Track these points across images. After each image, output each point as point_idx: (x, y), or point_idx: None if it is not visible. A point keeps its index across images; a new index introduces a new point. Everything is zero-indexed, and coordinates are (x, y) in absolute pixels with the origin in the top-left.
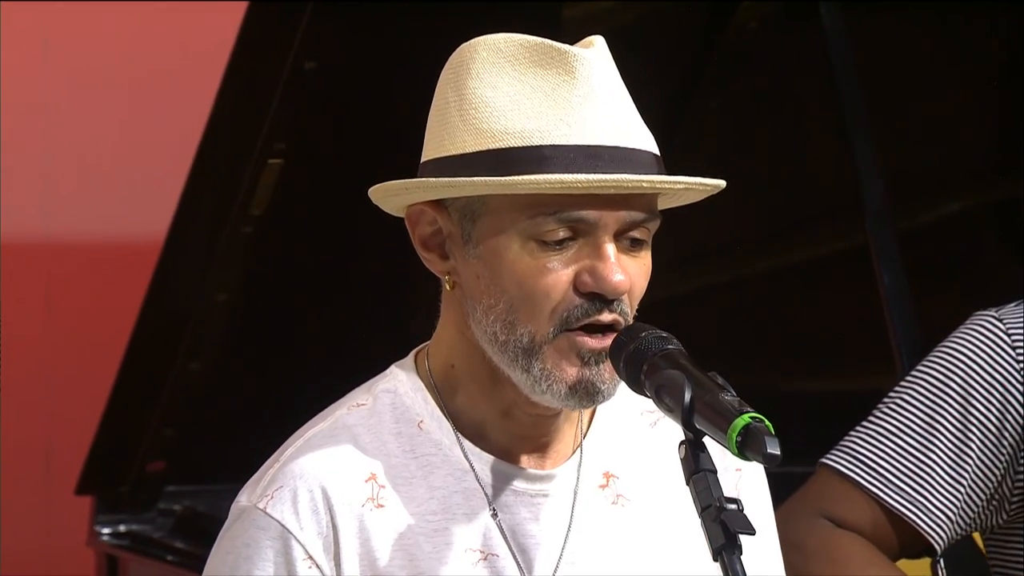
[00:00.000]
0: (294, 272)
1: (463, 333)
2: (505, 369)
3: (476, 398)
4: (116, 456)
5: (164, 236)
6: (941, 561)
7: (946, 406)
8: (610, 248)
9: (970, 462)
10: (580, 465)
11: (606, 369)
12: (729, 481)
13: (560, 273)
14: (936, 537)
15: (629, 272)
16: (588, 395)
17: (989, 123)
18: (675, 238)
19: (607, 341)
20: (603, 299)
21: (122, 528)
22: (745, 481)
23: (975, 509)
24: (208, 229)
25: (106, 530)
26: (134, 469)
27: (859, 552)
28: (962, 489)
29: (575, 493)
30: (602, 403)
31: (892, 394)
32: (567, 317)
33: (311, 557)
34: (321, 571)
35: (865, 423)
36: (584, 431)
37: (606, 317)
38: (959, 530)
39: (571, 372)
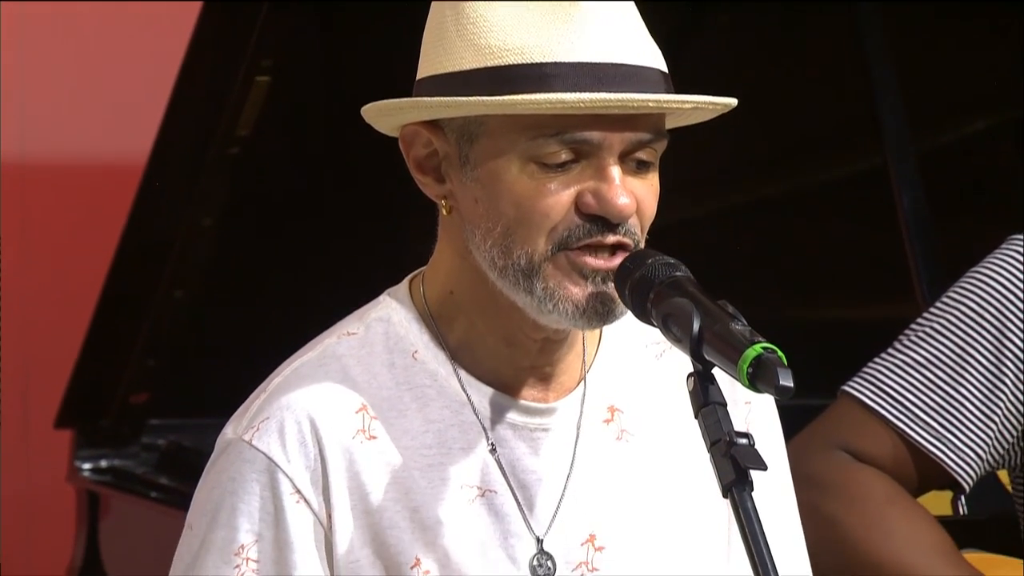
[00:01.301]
0: (282, 195)
1: (464, 258)
2: (509, 294)
3: (477, 326)
4: (97, 388)
5: (146, 157)
6: (962, 497)
7: (980, 337)
8: (615, 170)
9: (1004, 397)
10: (584, 398)
11: (614, 288)
12: (738, 415)
13: (561, 194)
14: (963, 475)
15: (636, 194)
16: (599, 314)
17: (1012, 39)
18: (682, 159)
19: (613, 262)
20: (607, 222)
21: (103, 464)
22: (755, 415)
23: (1005, 446)
24: (192, 150)
25: (87, 466)
26: (116, 402)
27: (879, 488)
28: (994, 426)
29: (578, 428)
30: (614, 322)
31: (921, 321)
32: (567, 237)
33: (299, 491)
34: (309, 506)
35: (891, 352)
36: (589, 363)
37: (610, 239)
38: (987, 468)
39: (576, 291)
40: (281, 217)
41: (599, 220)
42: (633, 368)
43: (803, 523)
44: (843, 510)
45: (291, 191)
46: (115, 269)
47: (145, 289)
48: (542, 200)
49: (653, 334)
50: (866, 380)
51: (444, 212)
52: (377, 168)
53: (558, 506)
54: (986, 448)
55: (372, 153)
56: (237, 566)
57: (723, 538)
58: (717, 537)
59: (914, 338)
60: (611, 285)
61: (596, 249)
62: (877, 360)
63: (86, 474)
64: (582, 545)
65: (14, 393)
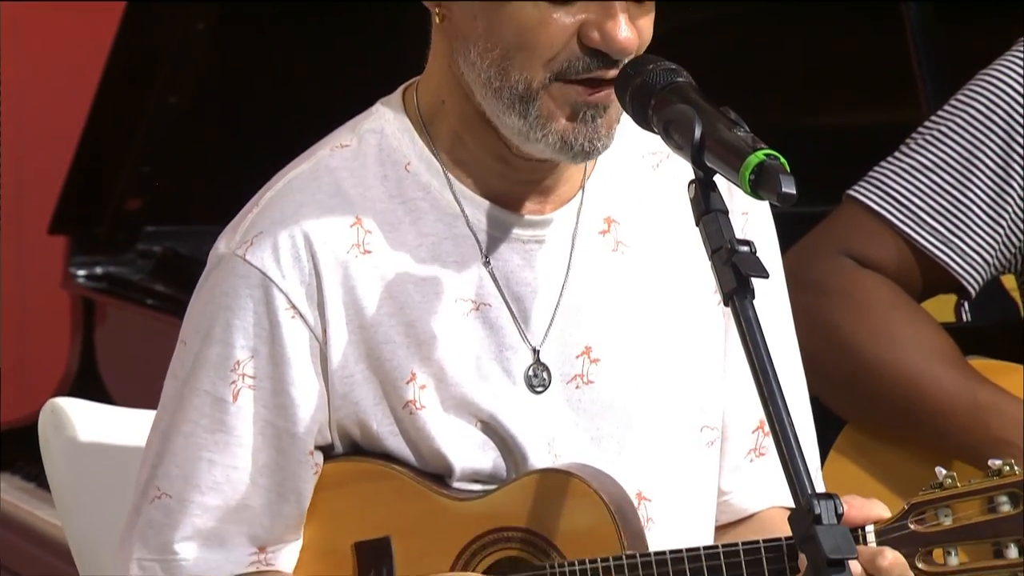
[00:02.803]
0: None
1: (451, 70)
2: (496, 115)
3: (467, 141)
4: (91, 194)
5: None
6: (965, 304)
7: (987, 139)
8: (620, 5)
9: (1011, 200)
10: (580, 209)
11: (603, 125)
12: (735, 225)
13: (565, 26)
14: (969, 280)
15: (638, 28)
16: (584, 151)
17: None
18: None
19: (608, 98)
20: (607, 57)
21: (98, 270)
22: (752, 224)
23: (1011, 250)
24: None
25: (81, 272)
26: (111, 208)
27: (884, 294)
28: (1001, 230)
29: (573, 239)
30: (597, 157)
31: (929, 125)
32: (566, 68)
33: (294, 306)
34: (304, 321)
35: (897, 156)
36: (587, 173)
37: (610, 73)
38: (993, 272)
39: (566, 124)
40: (277, 20)
41: (600, 55)
42: (630, 179)
43: (804, 329)
44: (846, 315)
45: None
46: (108, 74)
47: (139, 94)
48: (545, 30)
49: (650, 143)
50: (872, 184)
51: (436, 20)
52: None
53: (553, 318)
54: (992, 252)
55: None
56: (233, 382)
57: (719, 350)
58: (713, 349)
59: (921, 142)
60: (601, 123)
61: (593, 83)
62: (883, 164)
63: (81, 281)
64: (577, 357)
65: (9, 198)
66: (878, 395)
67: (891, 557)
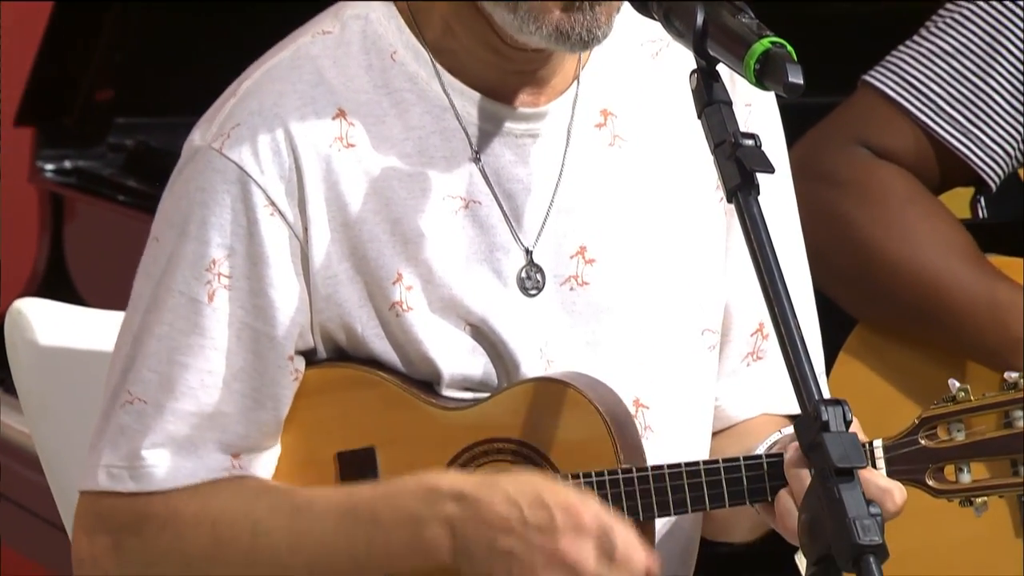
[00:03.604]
0: None
1: None
2: (488, 7)
3: (457, 31)
4: (59, 83)
5: None
6: (982, 199)
7: (1011, 24)
8: None
9: None
10: (576, 101)
11: (602, 12)
12: (739, 117)
13: None
14: (989, 173)
15: None
16: (582, 40)
17: None
18: None
19: None
20: None
21: (68, 164)
22: (757, 117)
23: None
24: None
25: (50, 166)
26: (80, 98)
27: (899, 186)
28: (1022, 120)
29: (568, 133)
30: (597, 45)
31: (950, 7)
32: None
33: (273, 203)
34: (284, 218)
35: (916, 40)
36: (582, 62)
37: None
38: (1014, 165)
39: (556, 16)
40: None
41: None
42: (628, 68)
43: (815, 223)
44: (859, 208)
45: None
46: None
47: None
48: None
49: (649, 30)
50: (888, 70)
51: None
52: None
53: (546, 216)
54: (1014, 144)
55: None
56: (208, 282)
57: (720, 249)
58: (714, 249)
59: (941, 25)
60: (599, 9)
61: None
62: (900, 49)
63: (49, 175)
64: (572, 258)
65: None
66: (891, 292)
67: (899, 499)
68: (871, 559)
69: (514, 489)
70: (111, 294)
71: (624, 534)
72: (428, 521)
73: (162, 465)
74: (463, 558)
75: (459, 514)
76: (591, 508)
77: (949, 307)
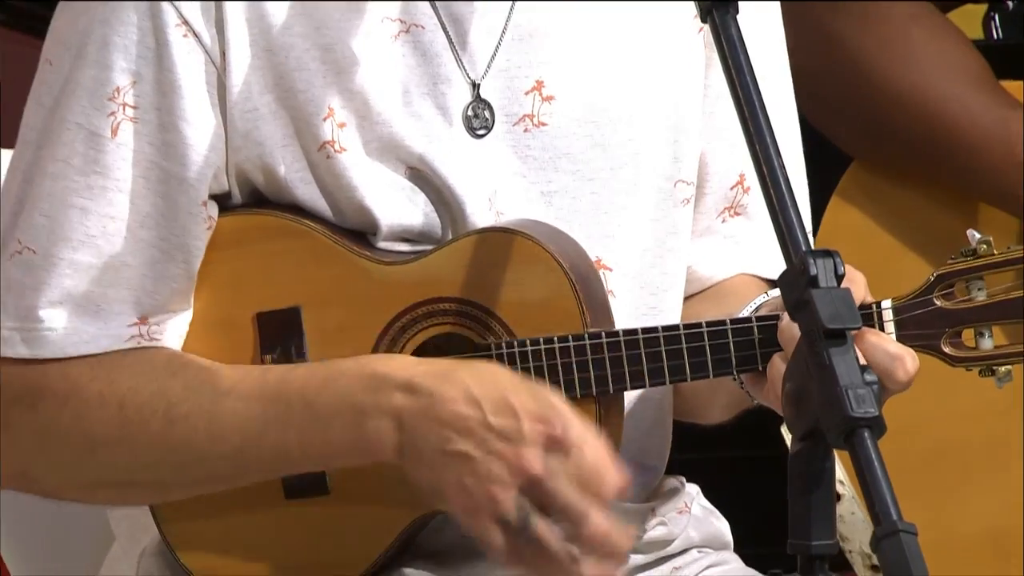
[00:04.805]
0: None
1: None
2: None
3: None
4: None
5: None
6: (996, 17)
7: None
8: None
9: None
10: None
11: None
12: None
13: None
14: None
15: None
16: None
17: None
18: None
19: None
20: None
21: None
22: None
23: None
24: None
25: None
26: None
27: (903, 2)
28: None
29: None
30: None
31: None
32: None
33: (186, 22)
34: (199, 40)
35: None
36: None
37: None
38: None
39: None
40: None
41: None
42: None
43: (806, 45)
44: (857, 27)
45: None
46: None
47: None
48: None
49: None
50: None
51: None
52: None
53: (498, 45)
54: None
55: None
56: (112, 113)
57: (698, 88)
58: (692, 88)
59: None
60: None
61: None
62: None
63: None
64: (527, 94)
65: None
66: (892, 124)
67: (911, 367)
68: (865, 434)
69: (477, 387)
70: None
71: (596, 451)
72: (371, 412)
73: (59, 327)
74: (410, 457)
75: (409, 407)
76: (561, 419)
77: (959, 141)
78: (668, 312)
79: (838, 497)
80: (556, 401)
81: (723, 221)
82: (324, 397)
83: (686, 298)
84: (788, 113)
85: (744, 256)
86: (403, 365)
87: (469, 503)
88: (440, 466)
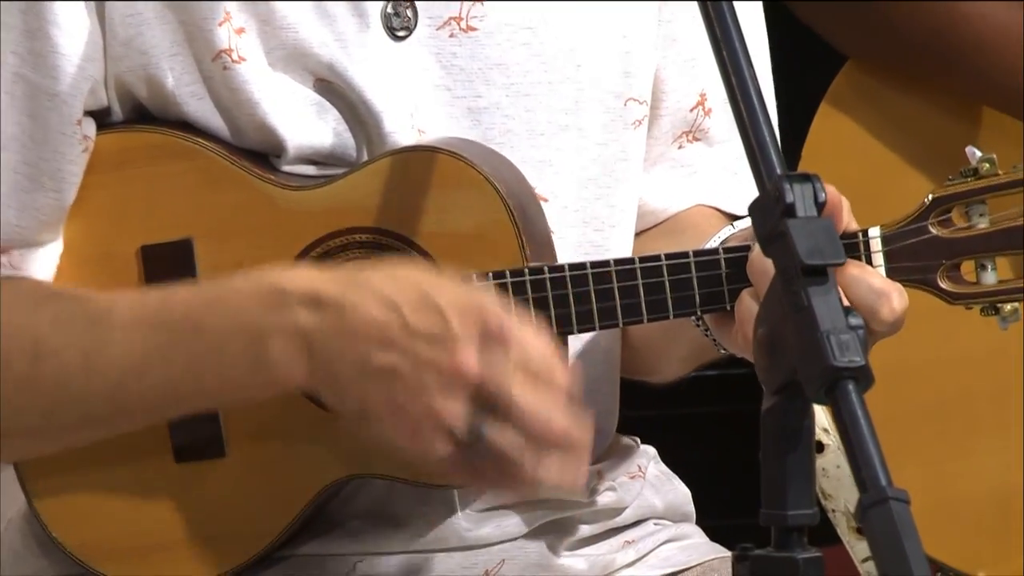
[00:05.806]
0: None
1: None
2: None
3: None
4: None
5: None
6: None
7: None
8: None
9: None
10: None
11: None
12: None
13: None
14: None
15: None
16: None
17: None
18: None
19: None
20: None
21: None
22: None
23: None
24: None
25: None
26: None
27: None
28: None
29: None
30: None
31: None
32: None
33: None
34: None
35: None
36: None
37: None
38: None
39: None
40: None
41: None
42: None
43: None
44: None
45: None
46: None
47: None
48: None
49: None
50: None
51: None
52: None
53: None
54: None
55: None
56: None
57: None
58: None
59: None
60: None
61: None
62: None
63: None
64: None
65: None
66: (891, 17)
67: (898, 305)
68: (850, 386)
69: (389, 287)
70: None
71: (538, 341)
72: (272, 333)
73: None
74: (324, 382)
75: (316, 324)
76: (494, 311)
77: (966, 37)
78: (615, 250)
79: (820, 448)
80: (484, 293)
81: (680, 147)
82: (213, 319)
83: (636, 234)
84: (757, 27)
85: (703, 187)
86: (305, 276)
87: (405, 423)
88: (363, 387)
